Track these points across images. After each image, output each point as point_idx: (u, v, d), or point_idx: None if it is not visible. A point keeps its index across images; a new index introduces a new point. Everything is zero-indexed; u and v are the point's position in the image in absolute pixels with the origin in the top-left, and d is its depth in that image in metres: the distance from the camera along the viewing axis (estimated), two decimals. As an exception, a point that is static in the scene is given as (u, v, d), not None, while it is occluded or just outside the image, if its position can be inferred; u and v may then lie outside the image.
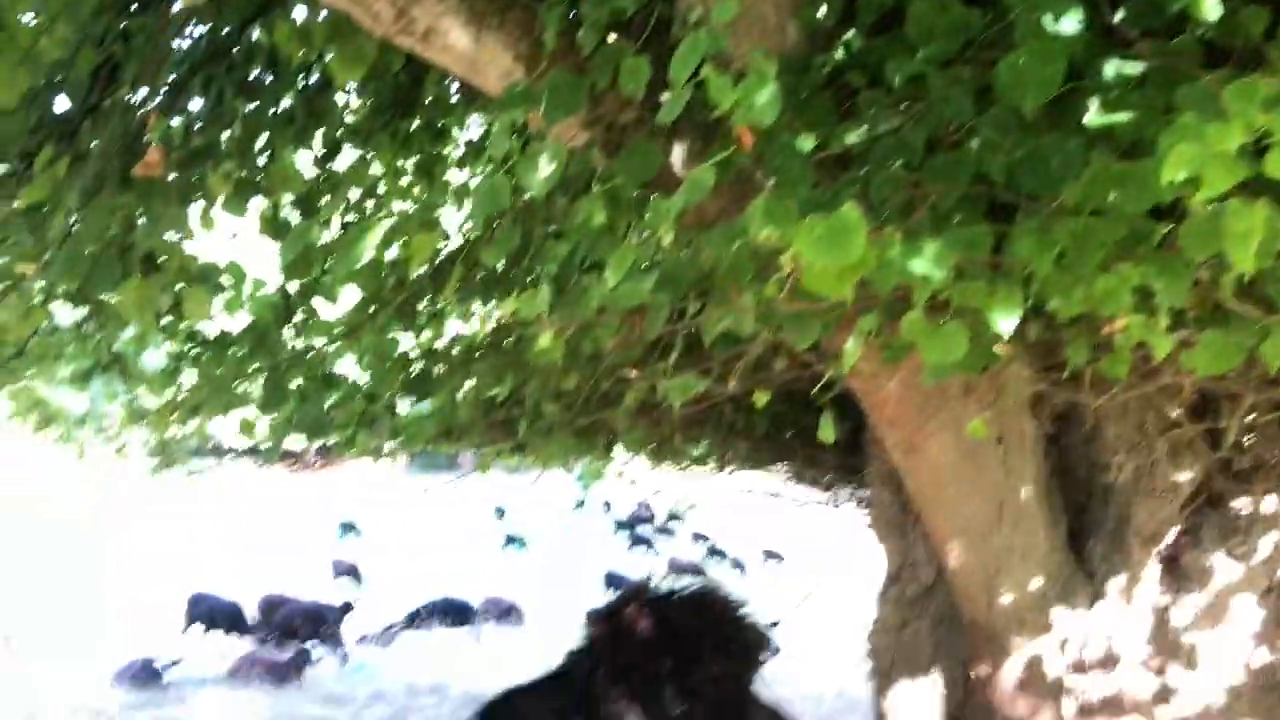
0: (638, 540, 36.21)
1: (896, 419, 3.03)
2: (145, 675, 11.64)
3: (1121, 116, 1.80)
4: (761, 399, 2.44)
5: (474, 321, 4.91)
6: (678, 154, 2.26)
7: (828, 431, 2.30)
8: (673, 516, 37.58)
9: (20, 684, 11.46)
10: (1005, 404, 2.90)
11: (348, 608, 18.56)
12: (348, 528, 36.05)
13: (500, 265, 4.01)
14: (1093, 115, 1.83)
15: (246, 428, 5.11)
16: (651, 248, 2.05)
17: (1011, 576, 3.18)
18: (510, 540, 34.85)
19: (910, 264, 1.45)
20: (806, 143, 2.01)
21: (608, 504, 39.60)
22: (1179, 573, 3.46)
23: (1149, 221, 1.72)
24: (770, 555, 31.38)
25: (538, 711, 2.09)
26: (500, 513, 38.36)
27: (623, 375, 2.98)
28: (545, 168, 1.93)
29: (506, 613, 20.24)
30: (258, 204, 4.48)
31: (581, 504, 39.89)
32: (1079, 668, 3.29)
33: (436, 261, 4.19)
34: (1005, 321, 1.54)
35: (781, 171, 1.98)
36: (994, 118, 1.93)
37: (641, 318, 2.01)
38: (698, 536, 36.54)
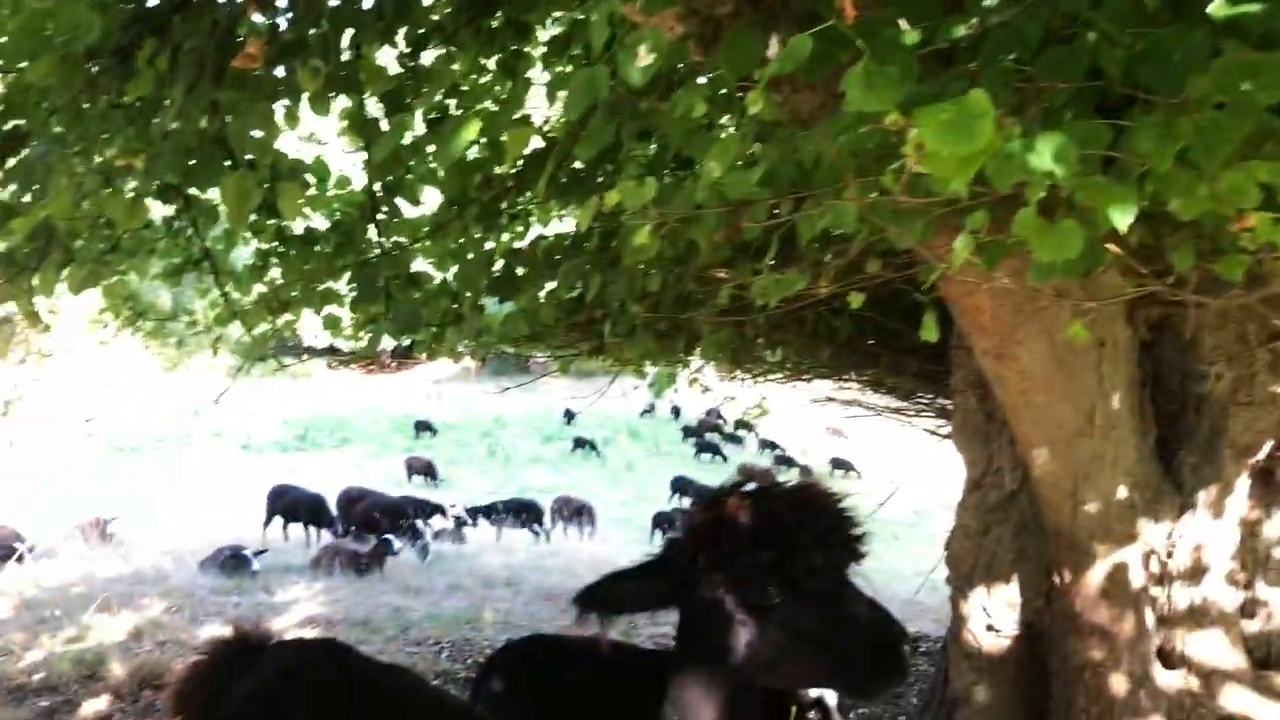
0: (705, 447, 36.59)
1: (988, 325, 2.98)
2: (234, 563, 12.11)
3: (1252, 7, 1.71)
4: (856, 301, 2.41)
5: (557, 222, 4.91)
6: (775, 46, 2.21)
7: (930, 331, 2.27)
8: (741, 425, 37.79)
9: (118, 567, 12.05)
10: (1101, 310, 2.84)
11: (434, 508, 19.14)
12: (422, 427, 36.97)
13: (580, 165, 4.00)
14: (1218, 5, 1.75)
15: (332, 324, 5.21)
16: (749, 143, 2.02)
17: (1098, 485, 3.16)
18: (579, 444, 35.46)
19: (1030, 159, 1.41)
20: (912, 36, 1.95)
21: (676, 410, 39.92)
22: (1272, 486, 3.41)
23: (1274, 117, 1.65)
24: (839, 464, 31.50)
25: (636, 595, 2.15)
26: (569, 416, 38.93)
27: (710, 275, 2.97)
28: (645, 57, 1.89)
29: (577, 512, 20.71)
30: (338, 104, 4.49)
31: (650, 410, 40.25)
32: (1164, 578, 3.28)
33: (519, 161, 4.19)
34: (1124, 218, 1.49)
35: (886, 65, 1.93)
36: (1111, 10, 1.86)
37: (740, 214, 2.00)
38: (766, 444, 36.82)
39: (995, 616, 3.71)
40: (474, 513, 20.88)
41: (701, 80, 2.08)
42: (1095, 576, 3.23)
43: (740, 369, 6.09)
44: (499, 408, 39.38)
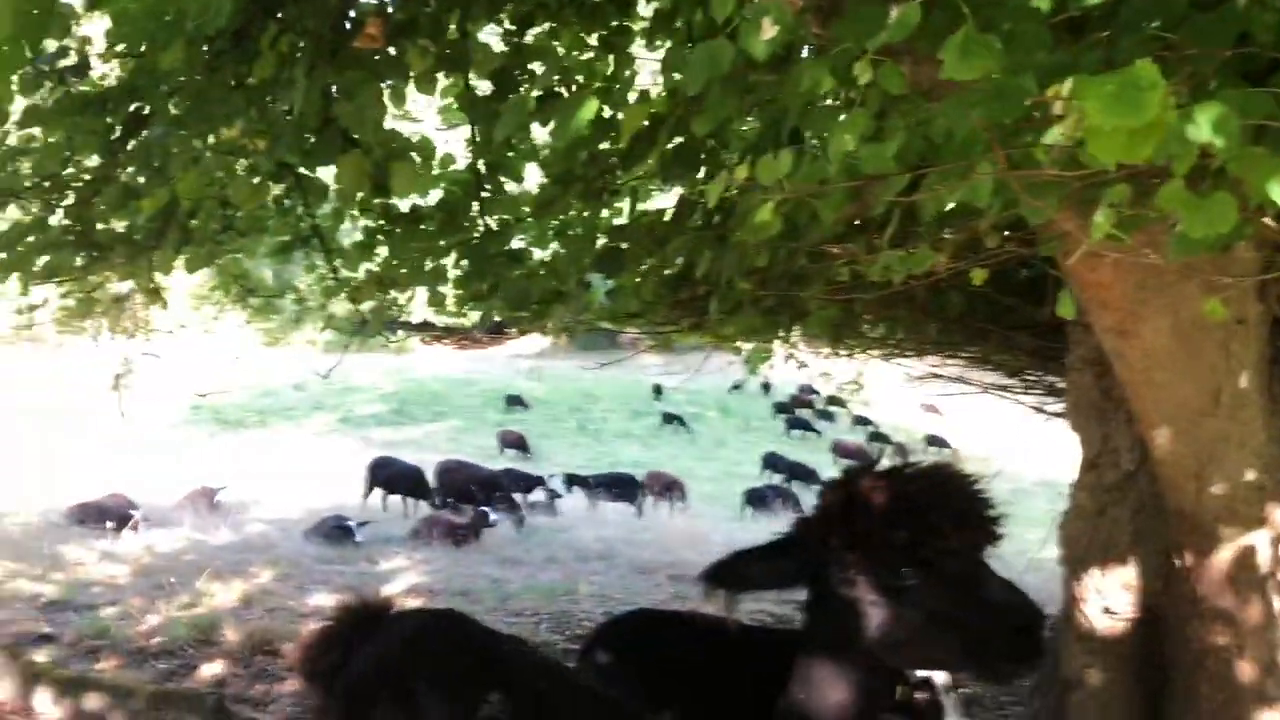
0: (796, 423, 36.38)
1: (1110, 300, 2.90)
2: (338, 534, 12.45)
3: None
4: (979, 276, 2.37)
5: (659, 197, 4.92)
6: (895, 15, 2.17)
7: (1067, 308, 2.22)
8: (834, 401, 37.43)
9: (227, 536, 12.48)
10: (1234, 286, 2.74)
11: (534, 480, 19.41)
12: (514, 401, 37.44)
13: (683, 140, 3.99)
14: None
15: (437, 300, 5.30)
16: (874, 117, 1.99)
17: (1224, 466, 3.06)
18: (668, 419, 35.55)
19: (1189, 130, 1.37)
20: (1044, 2, 1.90)
21: (766, 386, 39.72)
22: None
23: None
24: (934, 442, 31.06)
25: (764, 574, 2.15)
26: (658, 392, 39.04)
27: (824, 251, 2.95)
28: (769, 30, 1.88)
29: (668, 488, 20.76)
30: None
31: (739, 386, 40.13)
32: (1294, 563, 3.17)
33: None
34: (1280, 190, 1.44)
35: (1014, 35, 1.89)
36: (1262, -28, 1.79)
37: (869, 189, 1.97)
38: (859, 420, 36.44)
39: (1111, 599, 3.63)
40: (571, 481, 21.20)
41: (817, 53, 2.05)
42: (1220, 560, 3.14)
43: (841, 345, 6.02)
44: (588, 383, 39.69)
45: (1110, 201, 1.61)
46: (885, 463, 2.08)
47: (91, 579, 9.41)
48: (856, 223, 3.43)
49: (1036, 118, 1.65)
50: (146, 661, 6.86)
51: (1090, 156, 1.44)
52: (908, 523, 1.94)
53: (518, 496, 17.44)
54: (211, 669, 6.70)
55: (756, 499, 20.57)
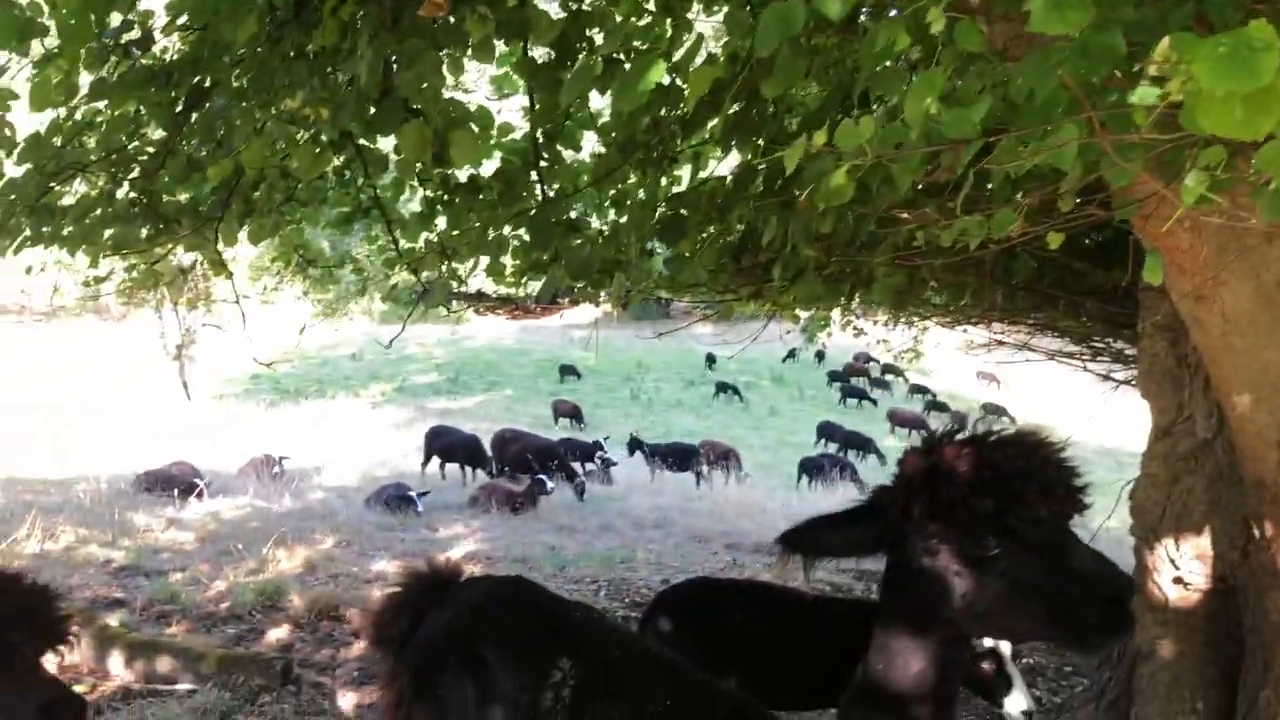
0: (851, 392, 36.19)
1: (1188, 264, 2.83)
2: (399, 503, 12.63)
3: None
4: (1055, 240, 2.31)
5: (718, 164, 4.87)
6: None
7: (1155, 273, 2.16)
8: (890, 369, 37.19)
9: (289, 504, 12.71)
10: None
11: (591, 447, 19.56)
12: (567, 371, 37.66)
13: (741, 106, 3.93)
14: None
15: (496, 271, 5.31)
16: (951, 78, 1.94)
17: (1308, 435, 2.98)
18: (721, 388, 35.54)
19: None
20: (1129, -44, 1.84)
21: (820, 354, 39.50)
22: None
23: None
24: (991, 411, 30.71)
25: (843, 541, 2.13)
26: (711, 361, 39.02)
27: (894, 216, 2.90)
28: (843, -11, 1.85)
29: (723, 456, 20.78)
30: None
31: (793, 355, 39.97)
32: (1380, 534, 3.08)
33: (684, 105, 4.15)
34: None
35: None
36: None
37: (947, 153, 1.93)
38: (916, 389, 36.16)
39: (1184, 569, 3.56)
40: (635, 446, 21.45)
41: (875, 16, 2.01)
42: (1302, 531, 3.06)
43: (903, 312, 5.95)
44: (641, 352, 39.76)
45: (1205, 164, 1.56)
46: (967, 430, 2.05)
47: (160, 545, 9.65)
48: (919, 187, 3.38)
49: (1119, 76, 1.60)
50: (215, 626, 7.02)
51: (1191, 123, 1.39)
52: (993, 491, 1.90)
53: (579, 465, 17.61)
54: (278, 634, 6.85)
55: (812, 468, 20.53)
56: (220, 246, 5.36)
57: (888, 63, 2.45)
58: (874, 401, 34.95)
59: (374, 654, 4.40)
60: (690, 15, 4.85)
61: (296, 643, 6.73)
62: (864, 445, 26.01)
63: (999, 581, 1.98)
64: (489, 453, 17.73)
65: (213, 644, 6.38)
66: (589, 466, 18.78)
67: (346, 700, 5.73)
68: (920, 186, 3.29)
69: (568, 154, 5.01)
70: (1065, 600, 1.94)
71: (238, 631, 6.94)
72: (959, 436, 2.03)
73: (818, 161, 2.11)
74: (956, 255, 3.17)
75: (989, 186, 2.82)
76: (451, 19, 3.90)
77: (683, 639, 4.15)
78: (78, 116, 4.91)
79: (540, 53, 4.51)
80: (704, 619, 4.28)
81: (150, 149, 5.05)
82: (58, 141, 4.74)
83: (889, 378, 37.98)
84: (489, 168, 4.97)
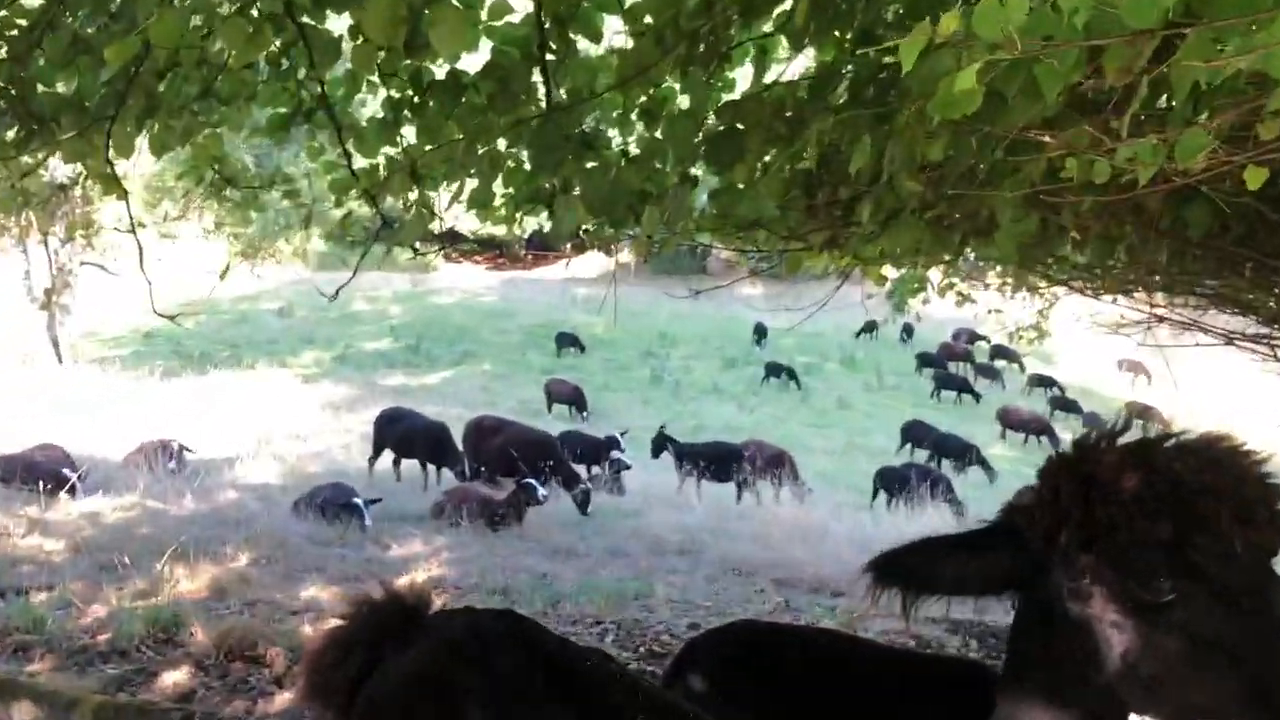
0: (948, 382, 36.08)
1: None
2: (337, 508, 12.60)
3: None
4: (1255, 178, 2.28)
5: (788, 64, 4.83)
6: None
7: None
8: (1002, 353, 37.03)
9: (191, 505, 12.75)
10: None
11: (604, 443, 19.52)
12: (567, 341, 37.69)
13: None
14: None
15: (481, 202, 5.29)
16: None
17: None
18: (773, 371, 35.48)
19: None
20: None
21: (907, 330, 39.39)
22: None
23: None
24: (1139, 412, 30.55)
25: (959, 574, 2.10)
26: (760, 334, 38.96)
27: (1027, 139, 2.85)
28: None
29: (773, 463, 20.71)
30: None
31: (870, 329, 39.89)
32: None
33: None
34: None
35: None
36: None
37: (1109, 51, 1.90)
38: (1038, 381, 35.96)
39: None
40: (661, 446, 21.38)
41: None
42: None
43: (1030, 274, 5.91)
44: (666, 320, 39.72)
45: None
46: (1136, 432, 2.02)
47: (19, 555, 9.72)
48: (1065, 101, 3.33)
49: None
50: (91, 664, 7.07)
51: None
52: (1171, 513, 1.87)
53: (577, 468, 17.52)
54: (174, 677, 6.88)
55: (893, 482, 20.45)
56: (111, 156, 5.36)
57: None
58: (978, 396, 34.86)
59: (307, 708, 4.41)
60: None
61: (199, 689, 6.77)
62: (964, 453, 25.94)
63: (1174, 637, 1.94)
64: (459, 447, 17.72)
65: (88, 688, 6.42)
66: (595, 470, 18.80)
67: (265, 769, 5.78)
68: (1090, 102, 3.25)
69: (583, 44, 4.98)
70: (1270, 665, 1.90)
71: (121, 672, 6.99)
72: (1124, 439, 2.00)
73: (935, 58, 2.09)
74: (1113, 196, 3.14)
75: (1164, 103, 2.79)
76: None
77: (722, 704, 4.15)
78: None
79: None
80: (752, 678, 4.28)
81: (21, 21, 5.04)
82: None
83: (1000, 364, 37.85)
84: (476, 60, 4.95)
